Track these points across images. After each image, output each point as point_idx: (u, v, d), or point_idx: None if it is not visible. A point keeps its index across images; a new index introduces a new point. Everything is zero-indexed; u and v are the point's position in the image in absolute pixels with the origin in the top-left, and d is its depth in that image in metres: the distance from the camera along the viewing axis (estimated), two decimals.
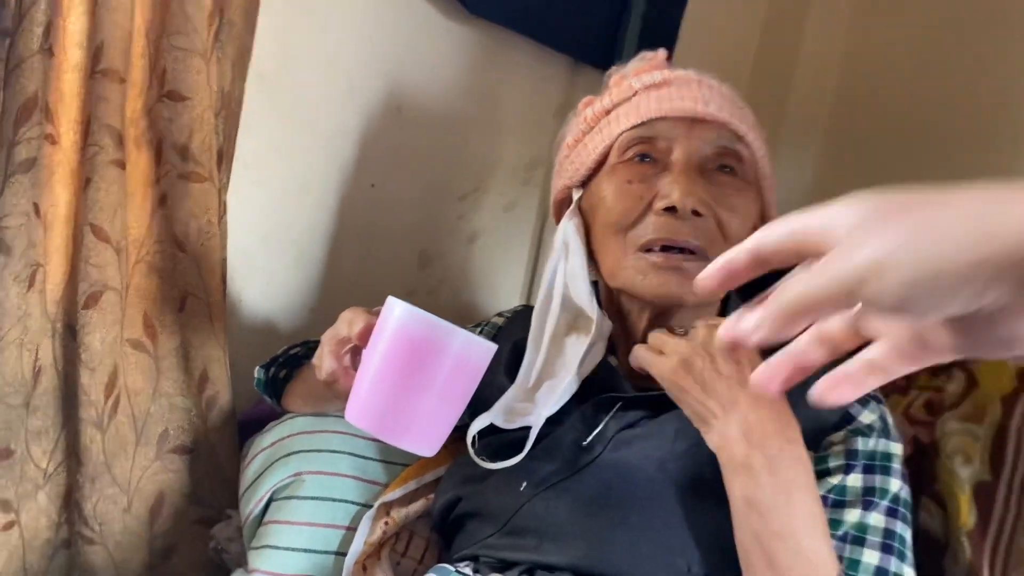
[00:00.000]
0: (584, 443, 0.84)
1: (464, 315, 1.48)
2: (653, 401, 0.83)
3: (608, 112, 0.90)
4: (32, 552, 1.02)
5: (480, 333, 1.05)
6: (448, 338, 0.69)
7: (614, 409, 0.85)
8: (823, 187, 1.74)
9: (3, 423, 0.97)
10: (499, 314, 1.09)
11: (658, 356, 0.78)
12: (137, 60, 1.00)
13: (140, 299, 1.06)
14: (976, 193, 0.35)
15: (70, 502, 1.05)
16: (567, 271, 0.90)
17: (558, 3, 1.37)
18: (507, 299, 1.53)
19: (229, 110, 1.11)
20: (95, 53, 0.96)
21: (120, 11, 0.96)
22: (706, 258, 0.83)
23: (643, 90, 0.88)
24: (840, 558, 0.73)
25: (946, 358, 0.40)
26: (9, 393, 0.97)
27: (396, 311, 0.71)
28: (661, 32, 1.37)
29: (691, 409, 0.75)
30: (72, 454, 1.04)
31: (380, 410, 0.70)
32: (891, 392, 1.14)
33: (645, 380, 0.84)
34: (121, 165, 1.00)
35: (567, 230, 0.91)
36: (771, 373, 0.45)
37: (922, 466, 1.03)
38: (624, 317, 0.91)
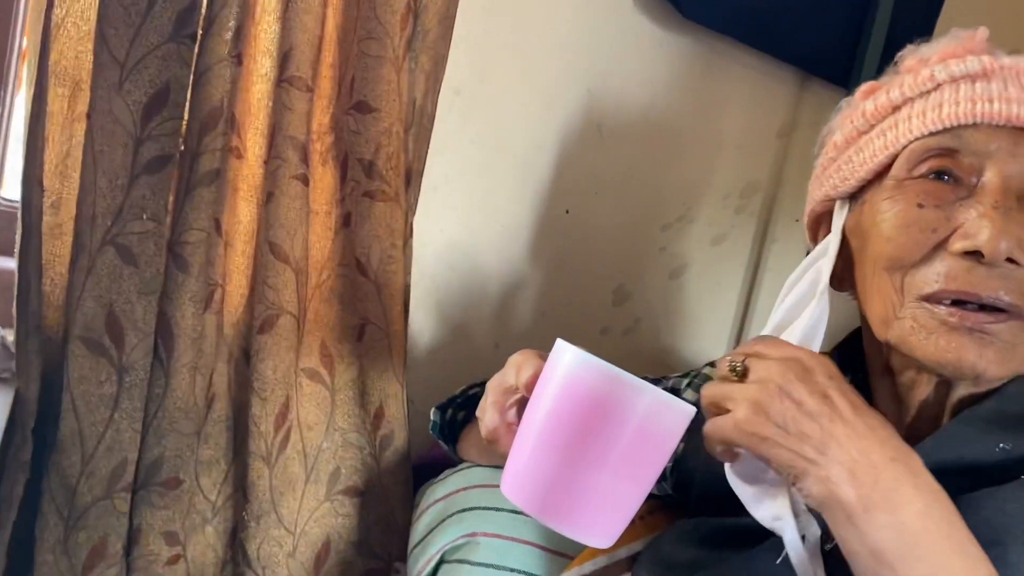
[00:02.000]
0: (827, 547, 0.65)
1: (663, 360, 1.32)
2: None
3: (897, 108, 0.70)
4: None
5: (688, 386, 0.89)
6: (632, 396, 0.55)
7: None
8: None
9: (173, 451, 0.92)
10: (711, 363, 0.91)
11: (722, 415, 0.60)
12: (326, 69, 0.94)
13: (318, 326, 0.99)
14: None
15: (235, 540, 0.98)
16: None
17: (786, 7, 1.19)
18: (713, 344, 1.36)
19: (421, 126, 1.03)
20: (282, 60, 0.90)
21: (311, 14, 0.90)
22: (1020, 318, 0.62)
23: (949, 82, 0.67)
24: None
25: None
26: (180, 419, 0.91)
27: (565, 358, 0.57)
28: (913, 35, 1.16)
29: (778, 460, 0.59)
30: (239, 488, 0.97)
31: (541, 485, 0.56)
32: None
33: None
34: (304, 180, 0.93)
35: (819, 254, 0.73)
36: None
37: None
38: (894, 379, 0.71)
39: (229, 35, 0.87)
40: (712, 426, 0.61)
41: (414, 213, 1.03)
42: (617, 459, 0.55)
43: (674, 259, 1.30)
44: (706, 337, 1.36)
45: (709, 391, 0.62)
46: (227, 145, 0.89)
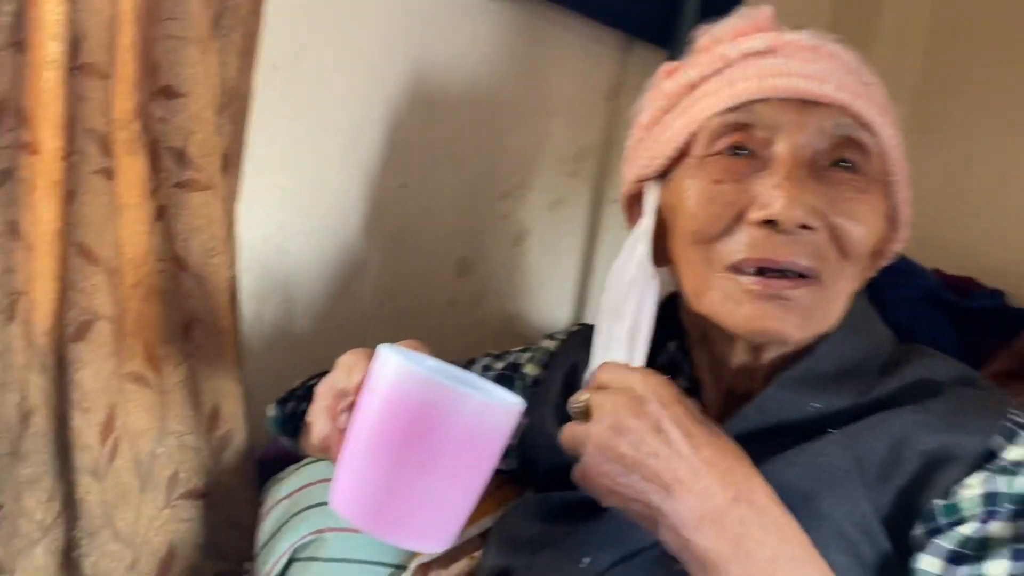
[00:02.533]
0: None
1: (512, 328, 1.33)
2: (743, 445, 0.67)
3: (694, 86, 0.72)
4: None
5: (530, 360, 0.89)
6: (457, 401, 0.54)
7: None
8: (910, 156, 1.57)
9: None
10: (550, 336, 0.92)
11: (580, 464, 0.60)
12: (124, 53, 0.87)
13: (139, 327, 0.93)
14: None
15: (69, 560, 0.92)
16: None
17: None
18: (557, 308, 1.38)
19: (236, 107, 0.97)
20: (73, 45, 0.82)
21: None
22: (817, 281, 0.66)
23: (740, 60, 0.69)
24: None
25: None
26: None
27: (388, 368, 0.56)
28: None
29: (631, 513, 0.59)
30: (69, 505, 0.91)
31: (368, 499, 0.55)
32: None
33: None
34: (108, 174, 0.86)
35: (637, 234, 0.74)
36: None
37: None
38: (711, 348, 0.74)
39: (7, 20, 0.79)
40: (574, 476, 0.60)
41: (236, 200, 0.98)
42: (447, 465, 0.54)
43: (515, 226, 1.30)
44: (551, 300, 1.38)
45: (564, 437, 0.61)
46: (17, 141, 0.82)
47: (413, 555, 0.81)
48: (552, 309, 1.37)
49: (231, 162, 0.96)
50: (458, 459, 0.55)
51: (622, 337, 0.72)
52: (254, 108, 0.99)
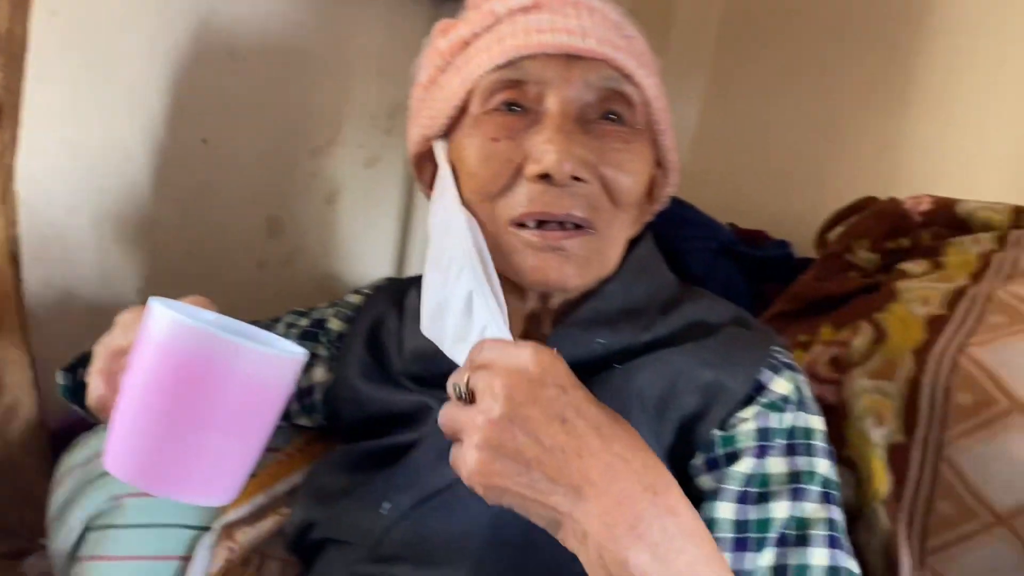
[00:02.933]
0: None
1: (327, 287, 1.32)
2: None
3: (467, 44, 0.72)
4: None
5: (334, 316, 0.89)
6: (233, 355, 0.53)
7: None
8: (708, 132, 1.67)
9: None
10: (356, 291, 0.92)
11: (458, 450, 0.53)
12: None
13: None
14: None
15: None
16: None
17: None
18: (376, 268, 1.37)
19: (10, 54, 0.90)
20: None
21: None
22: (592, 230, 0.69)
23: (508, 16, 0.71)
24: (784, 567, 0.62)
25: None
26: None
27: (159, 323, 0.54)
28: None
29: (529, 514, 0.52)
30: None
31: (143, 457, 0.53)
32: (794, 348, 1.06)
33: None
34: None
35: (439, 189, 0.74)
36: None
37: (829, 429, 0.95)
38: (504, 297, 0.76)
39: None
40: (454, 463, 0.54)
41: (14, 154, 0.91)
42: (224, 418, 0.53)
43: (327, 184, 1.28)
44: (368, 260, 1.37)
45: (442, 419, 0.55)
46: None
47: (217, 516, 0.80)
48: (370, 269, 1.37)
49: (6, 112, 0.90)
50: (236, 411, 0.54)
51: (468, 293, 0.68)
52: (32, 56, 0.92)
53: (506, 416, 0.50)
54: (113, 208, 1.06)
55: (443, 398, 0.72)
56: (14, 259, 0.91)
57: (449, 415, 0.54)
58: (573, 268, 0.68)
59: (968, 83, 1.30)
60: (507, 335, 0.63)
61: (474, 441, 0.51)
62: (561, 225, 0.68)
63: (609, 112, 0.71)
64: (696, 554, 0.50)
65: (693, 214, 1.42)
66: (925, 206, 1.15)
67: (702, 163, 1.69)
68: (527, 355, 0.52)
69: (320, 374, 0.85)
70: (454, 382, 0.55)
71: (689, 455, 0.69)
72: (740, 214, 1.49)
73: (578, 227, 0.68)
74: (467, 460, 0.51)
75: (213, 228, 1.16)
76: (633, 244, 0.79)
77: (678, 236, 1.38)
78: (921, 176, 1.35)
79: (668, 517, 0.50)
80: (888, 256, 1.13)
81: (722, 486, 0.66)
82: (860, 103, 1.42)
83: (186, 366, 0.52)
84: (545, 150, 0.66)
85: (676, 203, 1.45)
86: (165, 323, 0.53)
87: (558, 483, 0.50)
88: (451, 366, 0.74)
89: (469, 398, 0.53)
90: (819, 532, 0.64)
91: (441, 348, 0.70)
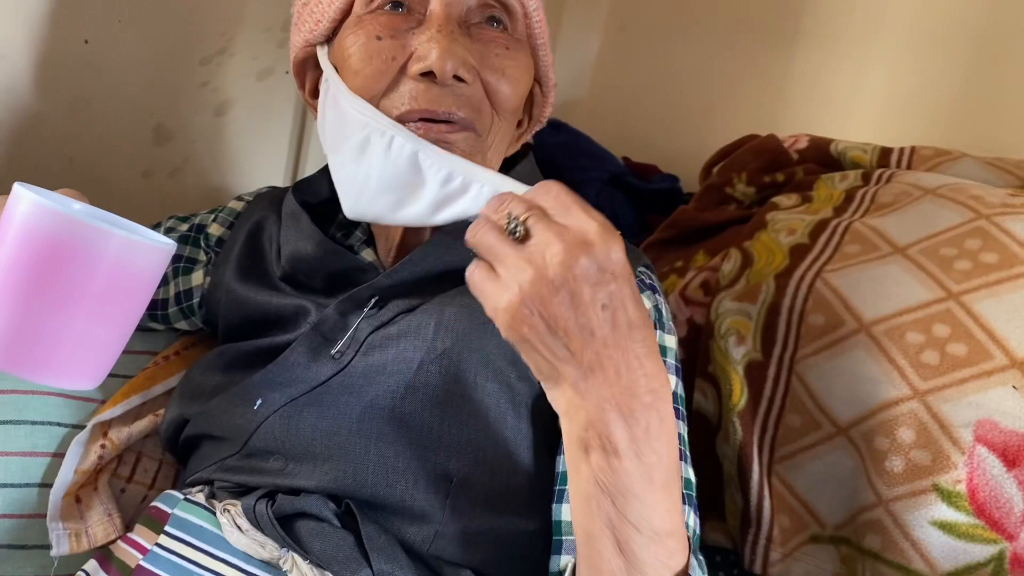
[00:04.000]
0: (333, 352, 0.72)
1: (216, 199, 1.29)
2: (410, 288, 0.72)
3: None
4: None
5: (214, 220, 0.89)
6: (98, 239, 0.53)
7: (368, 307, 0.73)
8: (606, 67, 1.69)
9: None
10: (239, 197, 0.92)
11: (491, 279, 0.53)
12: None
13: None
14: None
15: None
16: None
17: None
18: (267, 180, 1.36)
19: None
20: None
21: None
22: (472, 130, 0.70)
23: None
24: None
25: None
26: None
27: (21, 206, 0.54)
28: None
29: (535, 365, 0.54)
30: None
31: (5, 339, 0.53)
32: (670, 273, 1.11)
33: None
34: None
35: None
36: None
37: (697, 347, 1.01)
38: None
39: None
40: (479, 293, 0.54)
41: None
42: (90, 303, 0.54)
43: (218, 95, 1.25)
44: (260, 173, 1.35)
45: (477, 236, 0.54)
46: None
47: (91, 414, 0.80)
48: (261, 183, 1.34)
49: None
50: (102, 297, 0.54)
51: (411, 154, 0.65)
52: None
53: (558, 281, 0.50)
54: None
55: (319, 303, 0.74)
56: None
57: (488, 236, 0.53)
58: None
59: (851, 29, 1.36)
60: (510, 182, 0.60)
61: (516, 284, 0.51)
62: (446, 123, 0.69)
63: (491, 18, 0.72)
64: (665, 452, 0.53)
65: (588, 145, 1.46)
66: (802, 144, 1.21)
67: (600, 97, 1.72)
68: (595, 229, 0.51)
69: (198, 278, 0.85)
70: (509, 211, 0.53)
71: None
72: (634, 148, 1.53)
73: (463, 128, 0.70)
74: (500, 297, 0.51)
75: (96, 134, 1.13)
76: (513, 163, 0.81)
77: (573, 167, 1.42)
78: (802, 117, 1.41)
79: (655, 419, 0.53)
80: (764, 190, 1.19)
81: None
82: (750, 45, 1.47)
83: (48, 249, 0.52)
84: (429, 48, 0.67)
85: (573, 134, 1.49)
86: (26, 206, 0.53)
87: (574, 358, 0.51)
88: (328, 273, 0.75)
89: (523, 236, 0.52)
90: None
91: (383, 220, 0.68)
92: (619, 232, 0.53)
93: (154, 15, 1.13)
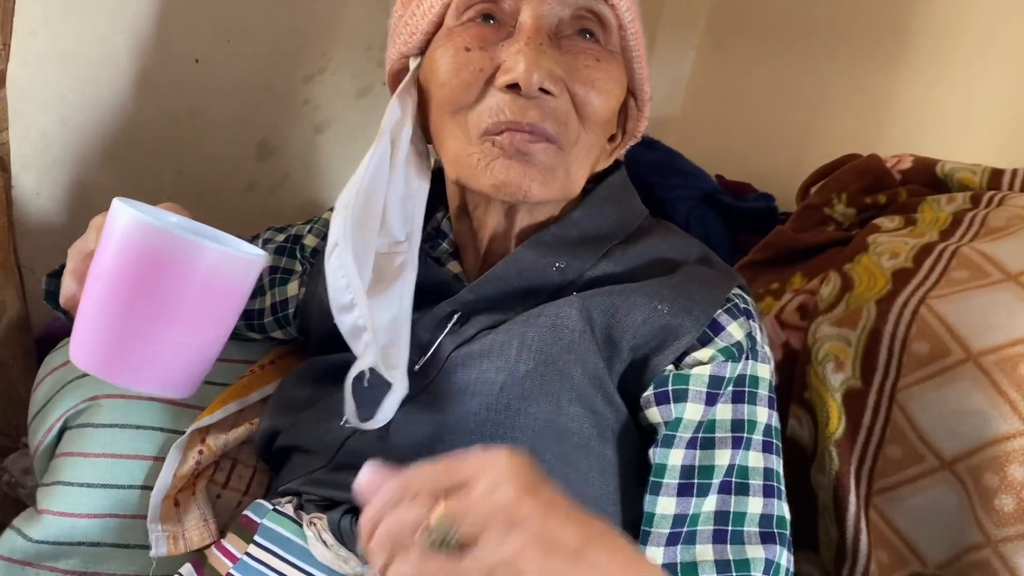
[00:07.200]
0: (416, 368, 0.72)
1: (312, 214, 1.32)
2: (492, 303, 0.72)
3: None
4: None
5: (310, 232, 0.91)
6: (192, 253, 0.55)
7: (451, 323, 0.73)
8: (701, 84, 1.67)
9: None
10: (332, 208, 0.94)
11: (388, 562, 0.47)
12: None
13: None
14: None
15: None
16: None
17: None
18: None
19: None
20: None
21: None
22: (558, 145, 0.70)
23: None
24: (726, 513, 0.66)
25: None
26: None
27: (120, 220, 0.56)
28: None
29: None
30: None
31: (105, 347, 0.56)
32: (765, 295, 1.08)
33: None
34: None
35: (394, 111, 0.74)
36: None
37: (793, 373, 0.97)
38: (470, 215, 0.78)
39: None
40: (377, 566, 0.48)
41: (6, 62, 0.92)
42: (184, 314, 0.56)
43: (318, 112, 1.29)
44: None
45: (373, 532, 0.49)
46: None
47: (190, 420, 0.83)
48: None
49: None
50: (196, 307, 0.56)
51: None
52: None
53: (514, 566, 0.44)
54: (104, 122, 1.07)
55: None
56: (3, 166, 0.92)
57: (419, 567, 0.46)
58: (536, 175, 0.69)
59: (959, 47, 1.30)
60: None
61: None
62: (528, 132, 0.69)
63: (584, 30, 0.72)
64: None
65: (680, 163, 1.44)
66: (906, 164, 1.17)
67: (694, 114, 1.69)
68: (506, 488, 0.46)
69: (294, 288, 0.87)
70: (432, 525, 0.46)
71: (640, 386, 0.71)
72: (728, 166, 1.51)
73: (546, 139, 0.69)
74: None
75: (204, 149, 1.18)
76: (605, 177, 0.81)
77: (665, 184, 1.40)
78: (906, 136, 1.36)
79: None
80: (865, 211, 1.15)
81: (673, 433, 0.68)
82: (851, 61, 1.42)
83: (145, 262, 0.55)
84: (516, 60, 0.67)
85: (665, 152, 1.47)
86: (124, 221, 0.55)
87: None
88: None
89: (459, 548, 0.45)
90: (758, 481, 0.68)
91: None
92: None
93: (260, 35, 1.17)
